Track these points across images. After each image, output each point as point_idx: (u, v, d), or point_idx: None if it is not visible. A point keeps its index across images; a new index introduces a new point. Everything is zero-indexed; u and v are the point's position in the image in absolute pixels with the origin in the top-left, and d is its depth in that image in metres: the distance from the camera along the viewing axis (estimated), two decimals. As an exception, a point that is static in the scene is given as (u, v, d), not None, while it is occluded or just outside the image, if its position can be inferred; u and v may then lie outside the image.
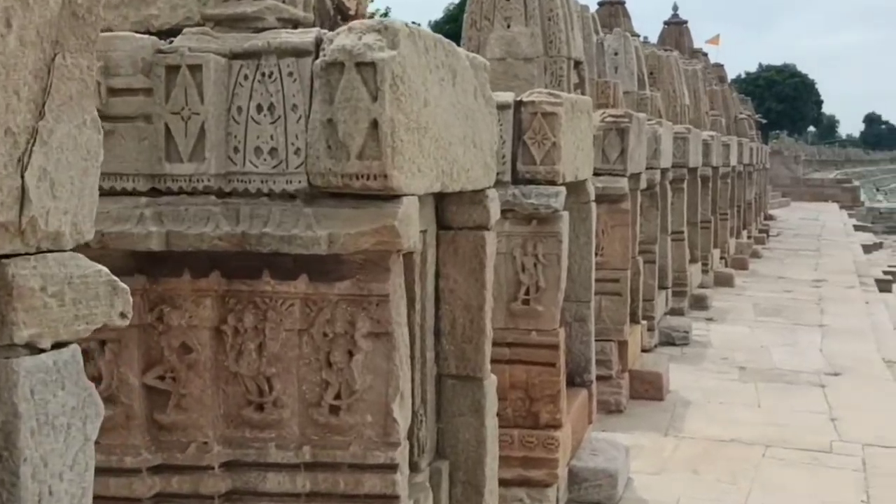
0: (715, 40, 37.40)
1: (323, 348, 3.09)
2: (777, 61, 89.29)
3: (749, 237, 20.75)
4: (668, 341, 10.43)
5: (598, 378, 7.57)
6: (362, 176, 2.91)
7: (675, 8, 28.20)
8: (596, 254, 7.67)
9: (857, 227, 31.61)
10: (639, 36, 19.61)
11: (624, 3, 20.87)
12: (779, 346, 10.51)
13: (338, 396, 3.12)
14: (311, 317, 3.10)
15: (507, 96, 5.40)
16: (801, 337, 11.03)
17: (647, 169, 9.91)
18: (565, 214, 5.47)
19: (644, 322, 8.99)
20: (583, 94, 8.06)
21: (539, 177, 5.37)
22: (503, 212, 5.21)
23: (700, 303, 12.83)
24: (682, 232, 12.44)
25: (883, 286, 17.74)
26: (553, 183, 5.36)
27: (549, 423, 5.42)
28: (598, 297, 7.72)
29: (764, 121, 43.84)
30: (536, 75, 7.78)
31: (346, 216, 2.98)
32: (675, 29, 27.11)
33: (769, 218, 28.53)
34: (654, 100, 12.83)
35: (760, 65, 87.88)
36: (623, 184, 7.69)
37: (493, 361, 4.08)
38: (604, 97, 10.03)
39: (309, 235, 2.96)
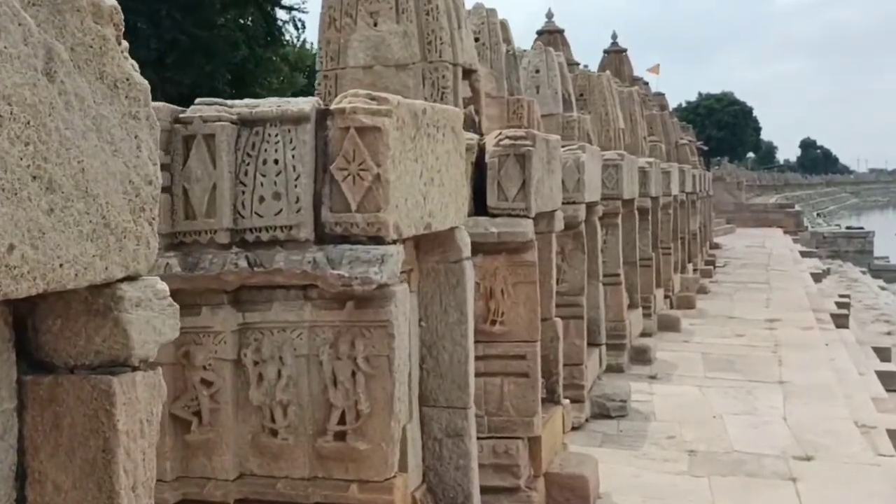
0: (655, 69, 35.87)
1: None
2: (716, 90, 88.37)
3: (695, 270, 18.75)
4: (602, 413, 8.28)
5: (501, 490, 5.44)
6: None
7: (615, 36, 26.43)
8: (493, 322, 5.55)
9: (803, 254, 29.94)
10: (578, 64, 17.68)
11: (562, 31, 19.12)
12: (735, 415, 8.40)
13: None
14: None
15: (305, 103, 3.22)
16: (761, 400, 8.93)
17: (567, 204, 7.81)
18: (399, 290, 3.25)
19: (566, 401, 6.82)
20: (477, 111, 5.93)
21: (356, 230, 3.16)
22: (301, 289, 3.06)
23: (642, 356, 10.72)
24: (617, 275, 10.34)
25: (839, 321, 15.86)
26: (379, 240, 3.15)
27: None
28: (498, 380, 5.60)
29: (705, 147, 42.29)
30: (412, 86, 5.66)
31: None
32: (616, 57, 25.36)
33: (715, 247, 26.63)
34: (582, 122, 10.76)
35: (700, 93, 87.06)
36: (526, 227, 5.54)
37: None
38: (516, 118, 7.94)
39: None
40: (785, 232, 37.48)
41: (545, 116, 9.86)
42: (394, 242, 3.16)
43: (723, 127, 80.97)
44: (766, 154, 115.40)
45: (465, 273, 4.07)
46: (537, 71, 10.23)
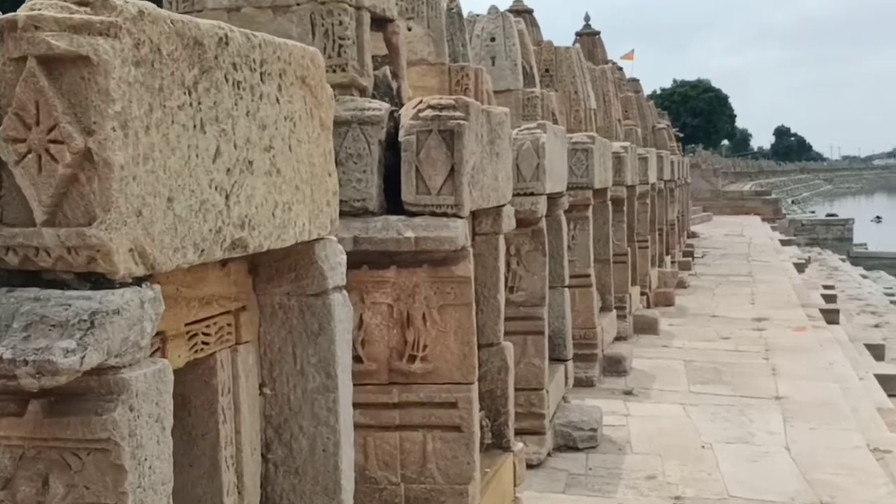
0: (630, 56, 34.50)
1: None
2: (691, 77, 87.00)
3: (673, 262, 17.28)
4: (567, 445, 6.78)
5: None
6: None
7: (588, 18, 24.85)
8: (412, 358, 4.04)
9: (783, 242, 28.59)
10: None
11: (531, 11, 17.59)
12: (727, 443, 6.91)
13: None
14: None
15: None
16: (757, 423, 7.45)
17: (521, 196, 6.29)
18: (137, 377, 1.68)
19: (520, 445, 5.28)
20: (395, 74, 4.40)
21: (44, 261, 1.59)
22: None
23: (615, 367, 9.22)
24: (587, 276, 8.83)
25: (829, 317, 14.46)
26: (96, 279, 1.59)
27: None
28: (419, 435, 4.10)
29: (681, 134, 40.88)
30: (297, 35, 4.11)
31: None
32: (588, 40, 23.78)
33: (692, 236, 25.20)
34: (546, 100, 9.22)
35: (675, 80, 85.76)
36: (455, 230, 4.00)
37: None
38: (460, 89, 6.41)
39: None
40: (763, 219, 36.13)
41: (501, 92, 8.32)
42: (131, 282, 1.61)
43: (698, 114, 79.65)
44: (741, 141, 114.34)
45: (331, 312, 2.53)
46: (493, 39, 8.67)
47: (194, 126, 1.84)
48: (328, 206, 2.57)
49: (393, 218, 4.10)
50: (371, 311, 4.18)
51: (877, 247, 36.72)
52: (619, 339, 10.59)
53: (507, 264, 6.62)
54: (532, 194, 6.39)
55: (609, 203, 9.91)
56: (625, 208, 11.16)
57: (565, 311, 7.46)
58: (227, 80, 1.96)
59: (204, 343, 2.22)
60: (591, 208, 8.85)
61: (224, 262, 2.27)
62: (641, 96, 18.47)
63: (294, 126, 2.32)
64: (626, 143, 11.35)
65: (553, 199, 7.09)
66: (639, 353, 10.02)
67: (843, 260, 32.54)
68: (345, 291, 2.63)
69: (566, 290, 7.51)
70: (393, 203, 4.20)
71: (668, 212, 16.78)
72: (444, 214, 4.08)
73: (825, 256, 31.91)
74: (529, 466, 6.25)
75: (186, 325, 2.10)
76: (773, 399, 8.21)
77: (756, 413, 7.72)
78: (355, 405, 3.21)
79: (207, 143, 1.88)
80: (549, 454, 6.57)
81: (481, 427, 4.96)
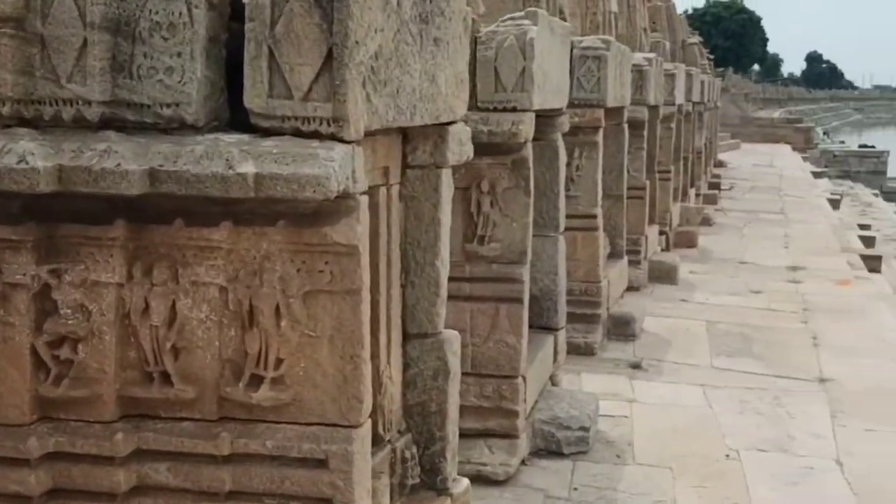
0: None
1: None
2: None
3: (698, 195, 15.40)
4: (549, 449, 5.08)
5: None
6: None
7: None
8: (255, 381, 2.27)
9: (815, 175, 26.56)
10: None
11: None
12: (760, 451, 5.20)
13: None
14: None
15: None
16: (798, 419, 5.72)
17: (497, 111, 4.52)
18: None
19: (465, 481, 3.55)
20: None
21: None
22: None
23: (623, 329, 7.47)
24: (593, 216, 7.04)
25: (871, 264, 12.66)
26: None
27: None
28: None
29: (711, 56, 38.46)
30: None
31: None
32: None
33: (719, 165, 23.20)
34: (552, -6, 7.25)
35: (708, 0, 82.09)
36: (328, 164, 2.21)
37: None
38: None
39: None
40: (793, 149, 33.90)
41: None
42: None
43: (729, 36, 76.29)
44: (772, 66, 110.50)
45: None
46: (486, -89, 6.70)
47: None
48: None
49: (226, 139, 2.32)
50: (190, 296, 2.43)
51: (909, 182, 34.49)
52: (630, 288, 8.84)
53: (478, 205, 4.86)
54: (514, 110, 4.57)
55: (625, 126, 8.03)
56: (645, 133, 9.27)
57: (558, 266, 5.68)
58: None
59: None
60: (601, 132, 7.00)
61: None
62: (672, 6, 16.33)
63: None
64: (651, 55, 9.40)
65: (546, 117, 5.26)
66: (653, 310, 8.27)
67: (876, 195, 30.47)
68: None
69: (561, 237, 5.71)
70: (238, 114, 2.42)
71: (695, 138, 14.83)
72: (316, 134, 2.29)
73: (857, 191, 29.82)
74: (494, 483, 4.58)
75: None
76: (817, 382, 6.46)
77: (796, 403, 5.98)
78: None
79: None
80: (524, 462, 4.88)
81: (404, 459, 3.26)
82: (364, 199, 2.41)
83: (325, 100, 2.27)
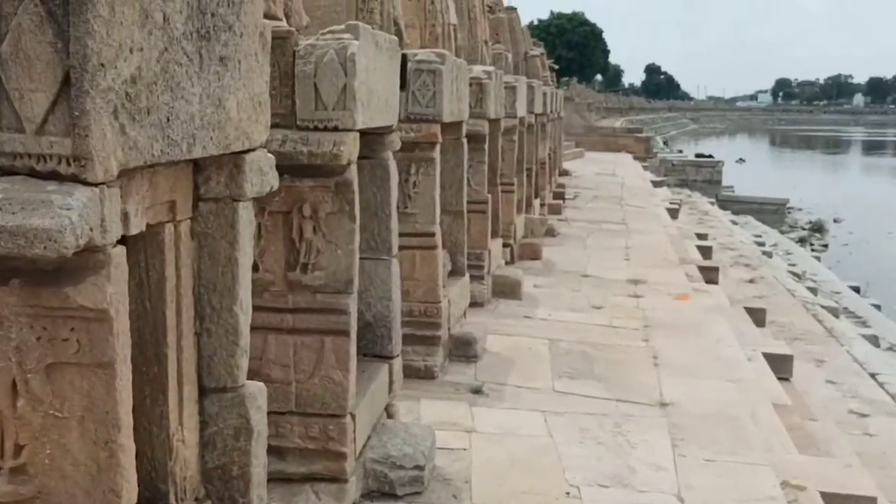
0: (507, -19, 32.25)
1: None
2: (567, 9, 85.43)
3: (542, 205, 15.40)
4: (381, 490, 4.72)
5: None
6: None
7: (463, -65, 22.47)
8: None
9: (654, 183, 27.27)
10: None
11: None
12: (601, 487, 4.98)
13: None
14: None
15: None
16: (639, 450, 5.53)
17: (318, 130, 4.16)
18: None
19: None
20: None
21: None
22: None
23: (465, 350, 7.20)
24: (431, 234, 6.73)
25: (708, 275, 12.96)
26: None
27: None
28: None
29: (556, 66, 39.12)
30: None
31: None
32: (461, -43, 21.45)
33: (564, 174, 23.46)
34: (387, 4, 6.92)
35: (552, 12, 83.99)
36: (62, 215, 1.78)
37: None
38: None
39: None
40: (634, 158, 34.82)
41: (319, -15, 6.01)
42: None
43: (573, 47, 78.26)
44: (614, 77, 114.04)
45: None
46: (315, -86, 6.31)
47: None
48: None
49: None
50: None
51: (740, 189, 35.97)
52: (474, 304, 8.59)
53: (300, 231, 4.46)
54: (336, 129, 4.19)
55: (465, 140, 7.78)
56: (486, 146, 9.08)
57: (391, 291, 5.33)
58: None
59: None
60: (438, 147, 6.70)
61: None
62: (516, 19, 16.30)
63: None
64: (490, 68, 9.21)
65: (375, 136, 4.91)
66: (496, 328, 8.04)
67: (713, 203, 31.56)
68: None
69: (394, 260, 5.37)
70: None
71: (538, 149, 14.81)
72: (55, 175, 1.85)
73: (695, 199, 30.83)
74: (316, 535, 4.18)
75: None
76: (658, 406, 6.33)
77: (637, 431, 5.82)
78: None
79: None
80: (351, 507, 4.50)
81: (200, 535, 2.85)
82: (119, 252, 1.98)
83: (64, 134, 1.83)
